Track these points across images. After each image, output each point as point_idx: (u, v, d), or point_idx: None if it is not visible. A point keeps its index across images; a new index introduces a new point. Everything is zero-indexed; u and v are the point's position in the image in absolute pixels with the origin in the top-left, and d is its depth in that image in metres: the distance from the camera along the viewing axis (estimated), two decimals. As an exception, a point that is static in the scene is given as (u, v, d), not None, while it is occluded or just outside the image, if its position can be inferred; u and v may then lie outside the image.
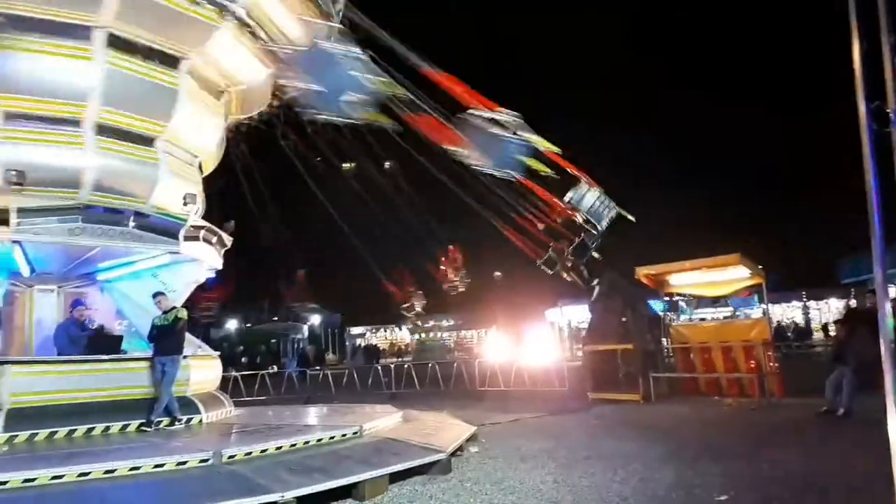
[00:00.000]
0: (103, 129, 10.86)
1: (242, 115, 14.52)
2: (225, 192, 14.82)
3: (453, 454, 8.74)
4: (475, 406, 16.48)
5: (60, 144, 10.52)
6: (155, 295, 10.69)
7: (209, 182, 13.82)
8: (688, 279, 17.60)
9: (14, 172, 9.89)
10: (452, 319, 62.14)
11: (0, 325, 11.45)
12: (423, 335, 55.46)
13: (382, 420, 10.35)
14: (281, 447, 8.04)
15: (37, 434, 9.06)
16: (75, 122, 10.64)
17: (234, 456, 7.42)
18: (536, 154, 15.04)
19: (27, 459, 7.64)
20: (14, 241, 10.05)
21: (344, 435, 8.94)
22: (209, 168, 13.80)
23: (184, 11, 10.79)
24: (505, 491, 7.19)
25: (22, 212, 9.88)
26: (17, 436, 8.90)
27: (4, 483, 6.32)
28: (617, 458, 8.72)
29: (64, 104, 10.41)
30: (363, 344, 57.63)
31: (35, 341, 11.51)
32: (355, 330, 67.31)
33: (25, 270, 11.04)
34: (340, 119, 13.28)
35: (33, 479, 6.45)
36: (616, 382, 16.30)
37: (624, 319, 17.22)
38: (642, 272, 17.36)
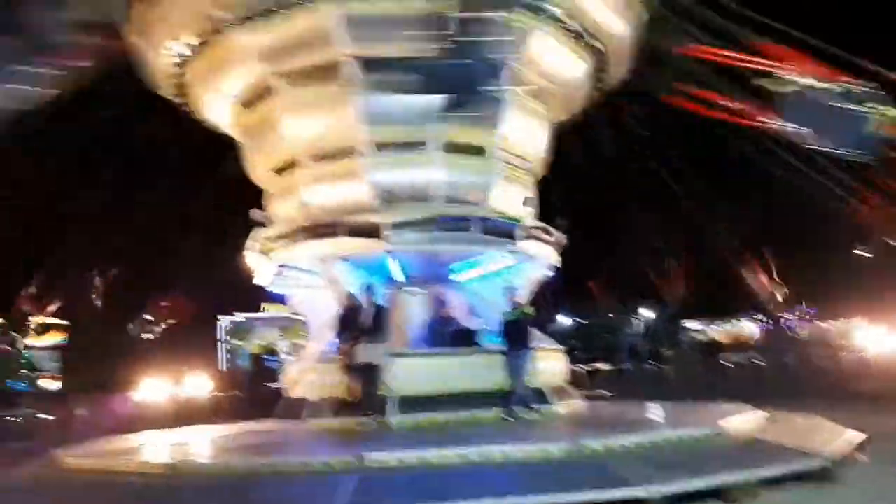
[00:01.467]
0: (448, 147, 12.11)
1: (567, 114, 14.79)
2: (554, 190, 15.23)
3: (837, 462, 7.65)
4: (851, 408, 14.31)
5: (417, 165, 12.05)
6: (504, 292, 11.42)
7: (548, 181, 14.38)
8: None
9: (384, 193, 11.55)
10: (807, 308, 55.25)
11: (385, 324, 13.35)
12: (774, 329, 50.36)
13: (743, 419, 9.59)
14: (638, 442, 7.93)
15: (419, 418, 10.33)
16: (426, 144, 12.05)
17: (594, 447, 7.52)
18: None
19: (417, 441, 8.76)
20: (387, 252, 11.71)
21: (703, 433, 8.48)
22: (541, 169, 14.34)
23: (502, 20, 11.37)
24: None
25: (391, 226, 11.46)
26: (405, 419, 10.27)
27: (403, 460, 7.31)
28: None
29: (417, 129, 11.84)
30: (700, 339, 54.58)
31: (409, 337, 13.21)
32: (691, 324, 64.00)
33: (398, 276, 12.77)
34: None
35: (424, 458, 7.34)
36: None
37: None
38: None
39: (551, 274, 14.14)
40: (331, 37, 11.33)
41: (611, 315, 57.62)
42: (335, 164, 12.27)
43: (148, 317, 50.40)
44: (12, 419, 21.49)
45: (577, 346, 44.10)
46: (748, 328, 59.20)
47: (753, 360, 24.31)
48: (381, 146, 12.00)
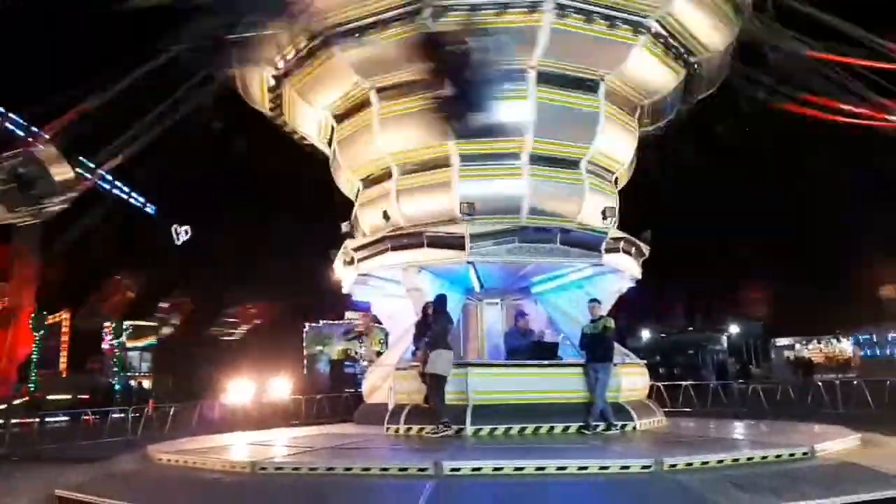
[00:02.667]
0: (537, 159, 12.20)
1: (653, 126, 14.59)
2: (639, 199, 14.97)
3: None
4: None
5: (503, 177, 12.23)
6: (589, 303, 11.29)
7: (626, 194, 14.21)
8: None
9: (466, 204, 11.66)
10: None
11: (461, 334, 13.47)
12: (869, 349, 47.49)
13: (836, 442, 9.08)
14: (723, 461, 7.65)
15: (496, 428, 10.35)
16: (515, 156, 12.18)
17: (676, 465, 7.32)
18: None
19: (493, 450, 8.79)
20: (468, 262, 11.80)
21: (792, 454, 8.09)
22: (624, 180, 14.18)
23: (601, 36, 11.41)
24: None
25: (473, 237, 11.55)
26: (481, 429, 10.30)
27: (479, 469, 7.35)
28: None
29: (506, 141, 12.00)
30: (792, 356, 51.99)
31: (486, 347, 13.26)
32: (781, 341, 61.06)
33: (477, 286, 12.85)
34: None
35: (500, 469, 7.35)
36: None
37: None
38: None
39: (634, 286, 13.89)
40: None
41: (693, 330, 55.80)
42: (423, 175, 12.54)
43: (231, 319, 52.71)
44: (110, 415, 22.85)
45: (660, 361, 42.88)
46: (845, 347, 55.88)
47: (850, 381, 22.91)
48: (469, 157, 12.19)
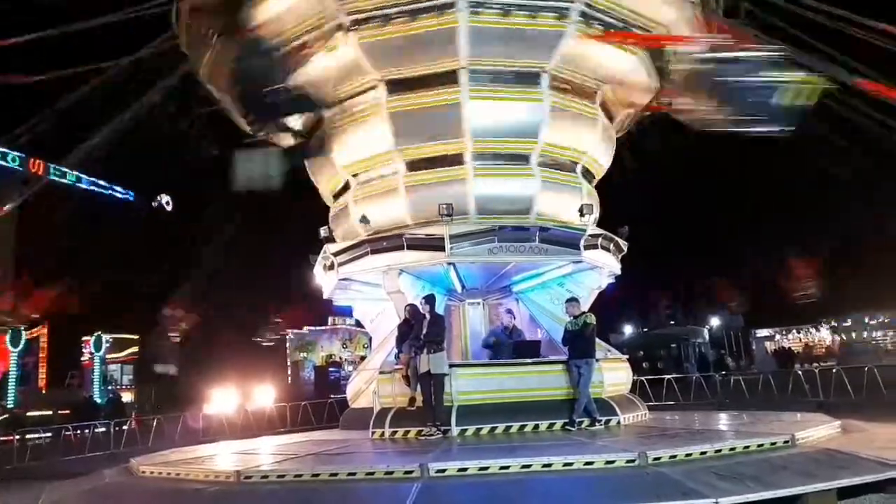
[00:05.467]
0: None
1: (627, 113, 14.52)
2: (618, 194, 14.99)
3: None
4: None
5: (514, 177, 12.45)
6: (567, 301, 11.34)
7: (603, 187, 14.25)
8: None
9: (444, 206, 11.62)
10: (884, 316, 52.76)
11: (444, 335, 13.44)
12: (846, 335, 48.29)
13: (817, 430, 9.21)
14: (706, 452, 7.71)
15: (481, 429, 10.37)
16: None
17: (660, 458, 7.37)
18: None
19: (479, 450, 8.80)
20: (449, 263, 11.81)
21: (774, 443, 8.19)
22: (599, 174, 14.19)
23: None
24: None
25: (453, 238, 11.56)
26: (466, 429, 10.32)
27: (465, 469, 7.35)
28: None
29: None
30: (773, 347, 52.68)
31: (470, 347, 13.26)
32: (761, 332, 61.87)
33: (458, 287, 12.85)
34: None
35: (486, 468, 7.35)
36: None
37: None
38: None
39: (614, 282, 13.99)
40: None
41: (675, 324, 56.30)
42: (393, 179, 12.55)
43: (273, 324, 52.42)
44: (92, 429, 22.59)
45: (643, 356, 43.14)
46: (823, 336, 56.76)
47: (828, 369, 23.24)
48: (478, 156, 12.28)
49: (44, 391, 46.26)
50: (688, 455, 7.56)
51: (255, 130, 13.53)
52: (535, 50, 11.96)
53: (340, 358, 60.46)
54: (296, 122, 13.80)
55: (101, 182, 45.60)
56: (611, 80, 13.18)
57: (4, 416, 36.39)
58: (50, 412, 37.54)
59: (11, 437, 21.99)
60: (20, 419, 34.31)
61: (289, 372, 60.45)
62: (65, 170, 41.61)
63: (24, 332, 43.81)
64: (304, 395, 38.45)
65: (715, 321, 56.60)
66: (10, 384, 41.99)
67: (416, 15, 11.32)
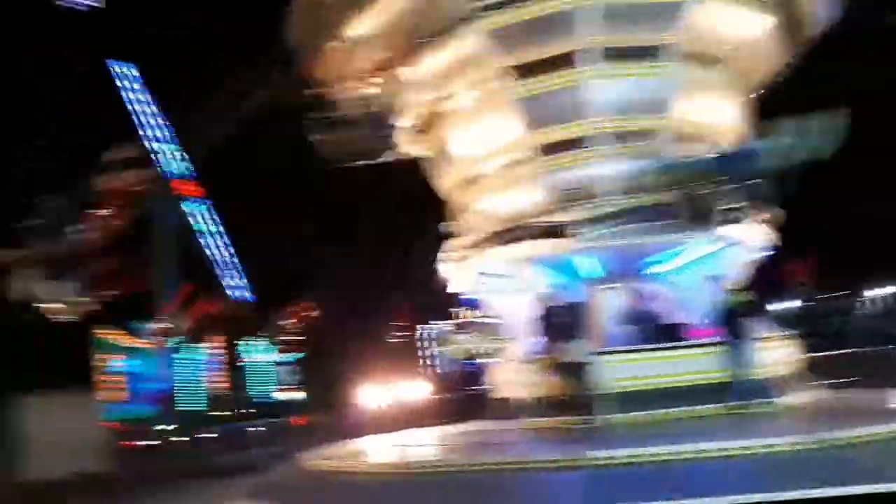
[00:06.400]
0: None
1: (764, 78, 13.69)
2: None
3: None
4: None
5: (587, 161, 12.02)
6: (712, 280, 10.82)
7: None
8: None
9: (566, 191, 11.47)
10: None
11: (584, 322, 13.27)
12: None
13: None
14: (883, 433, 7.11)
15: (631, 415, 10.08)
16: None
17: (833, 440, 6.88)
18: None
19: (634, 438, 8.58)
20: (578, 250, 11.64)
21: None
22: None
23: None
24: None
25: (578, 223, 11.44)
26: (615, 416, 10.07)
27: (633, 456, 7.12)
28: None
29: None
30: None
31: (610, 333, 12.95)
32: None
33: (593, 273, 12.60)
34: None
35: (656, 455, 7.11)
36: None
37: None
38: None
39: (766, 255, 13.12)
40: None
41: (840, 295, 51.65)
42: (513, 169, 12.53)
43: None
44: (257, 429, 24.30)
45: (804, 331, 39.86)
46: None
47: None
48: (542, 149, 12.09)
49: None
50: (861, 436, 6.99)
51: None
52: (660, 22, 11.56)
53: (475, 350, 61.03)
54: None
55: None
56: (742, 48, 12.51)
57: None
58: (229, 413, 41.10)
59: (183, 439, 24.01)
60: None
61: (429, 365, 61.92)
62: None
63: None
64: (446, 388, 39.23)
65: (884, 290, 51.24)
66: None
67: None
